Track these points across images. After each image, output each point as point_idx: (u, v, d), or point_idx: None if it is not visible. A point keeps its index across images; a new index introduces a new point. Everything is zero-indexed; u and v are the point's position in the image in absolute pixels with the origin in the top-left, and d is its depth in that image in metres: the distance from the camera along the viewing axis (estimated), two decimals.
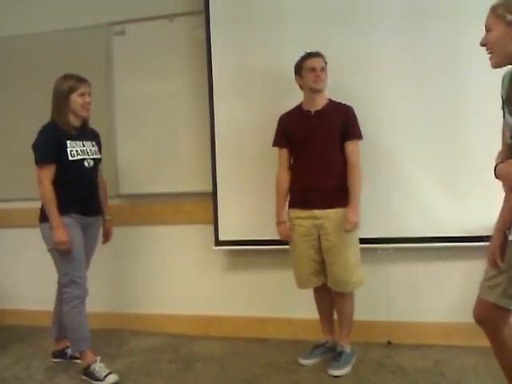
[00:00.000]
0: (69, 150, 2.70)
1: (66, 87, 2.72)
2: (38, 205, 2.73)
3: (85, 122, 2.84)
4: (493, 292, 1.89)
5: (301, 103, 2.85)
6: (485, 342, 2.98)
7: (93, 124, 2.92)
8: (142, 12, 3.48)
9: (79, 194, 2.73)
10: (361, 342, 3.07)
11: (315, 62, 2.75)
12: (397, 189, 3.00)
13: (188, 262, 3.50)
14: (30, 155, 2.64)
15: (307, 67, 2.75)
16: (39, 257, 3.69)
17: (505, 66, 1.69)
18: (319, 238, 2.77)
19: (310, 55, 2.77)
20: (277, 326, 3.06)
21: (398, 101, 3.00)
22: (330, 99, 2.83)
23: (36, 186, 2.67)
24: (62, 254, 2.68)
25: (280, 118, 2.88)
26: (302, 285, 2.90)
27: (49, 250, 2.74)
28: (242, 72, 3.19)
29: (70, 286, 2.73)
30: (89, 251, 2.89)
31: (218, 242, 3.30)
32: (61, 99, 2.73)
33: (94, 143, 2.87)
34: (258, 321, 3.33)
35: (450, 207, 2.93)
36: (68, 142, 2.71)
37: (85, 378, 2.76)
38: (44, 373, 2.94)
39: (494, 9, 1.67)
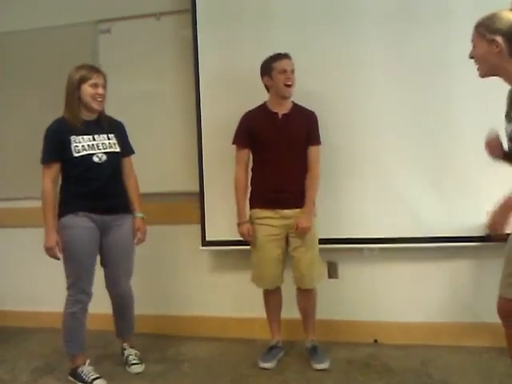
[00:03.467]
0: (73, 146, 2.57)
1: (78, 77, 2.57)
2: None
3: (100, 115, 2.69)
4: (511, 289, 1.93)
5: (265, 103, 2.85)
6: (470, 342, 3.04)
7: None
8: (128, 10, 3.46)
9: (90, 191, 2.59)
10: (347, 342, 3.09)
11: (287, 64, 2.74)
12: (383, 189, 3.00)
13: (174, 262, 3.49)
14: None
15: (278, 69, 2.73)
16: (27, 257, 3.70)
17: (491, 76, 1.87)
18: (286, 237, 2.80)
19: (281, 56, 2.75)
20: (263, 327, 3.05)
21: (386, 101, 3.00)
22: (293, 102, 2.85)
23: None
24: (64, 256, 2.60)
25: (244, 118, 2.86)
26: (266, 285, 2.90)
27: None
28: (230, 71, 3.18)
29: (72, 289, 2.64)
30: (118, 252, 2.73)
31: (205, 243, 3.29)
32: (72, 90, 2.58)
33: (110, 136, 2.70)
34: (245, 321, 3.33)
35: (437, 208, 2.94)
36: (72, 137, 2.57)
37: (71, 379, 2.74)
38: (29, 374, 2.90)
39: (476, 27, 1.85)
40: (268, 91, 2.84)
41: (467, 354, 2.88)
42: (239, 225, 2.83)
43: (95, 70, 2.63)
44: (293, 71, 2.76)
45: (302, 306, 2.95)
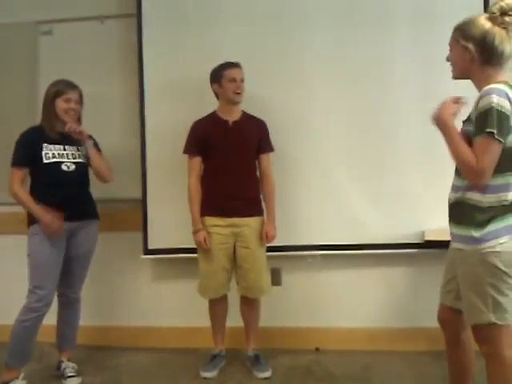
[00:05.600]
0: (44, 152, 2.67)
1: (53, 91, 2.72)
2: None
3: None
4: (448, 296, 1.98)
5: (215, 111, 2.87)
6: (407, 347, 3.13)
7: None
8: (71, 12, 3.38)
9: (58, 198, 2.66)
10: (289, 349, 3.10)
11: (236, 73, 2.78)
12: (326, 197, 3.06)
13: (115, 270, 3.40)
14: None
15: (228, 77, 2.76)
16: None
17: (462, 79, 1.86)
18: (234, 246, 2.80)
19: (231, 65, 2.79)
20: (206, 336, 3.01)
21: (332, 112, 3.07)
22: (243, 111, 2.88)
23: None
24: (31, 262, 2.65)
25: (195, 126, 2.86)
26: (211, 294, 2.88)
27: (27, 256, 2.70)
28: (175, 77, 3.16)
29: (30, 296, 2.62)
30: (79, 253, 2.80)
31: (147, 251, 3.23)
32: (47, 103, 2.73)
33: (80, 148, 2.79)
34: (187, 331, 3.28)
35: (377, 216, 3.02)
36: (44, 144, 2.68)
37: None
38: None
39: (454, 31, 1.85)
40: (217, 98, 2.85)
41: (404, 359, 2.96)
42: (195, 233, 2.80)
43: (70, 85, 2.76)
44: (242, 80, 2.79)
45: (245, 315, 2.95)
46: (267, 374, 2.80)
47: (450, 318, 1.98)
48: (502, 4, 1.74)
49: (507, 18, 1.73)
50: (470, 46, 1.77)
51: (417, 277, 3.07)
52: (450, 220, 1.89)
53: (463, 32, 1.79)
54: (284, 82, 3.08)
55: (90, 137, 2.87)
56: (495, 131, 1.64)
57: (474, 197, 1.76)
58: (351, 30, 3.04)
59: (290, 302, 3.19)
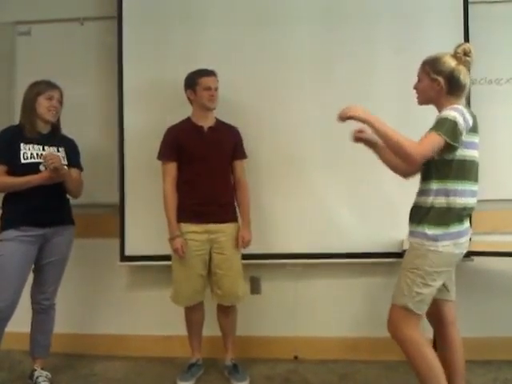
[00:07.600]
0: (22, 152, 2.61)
1: (35, 91, 2.70)
2: None
3: (55, 129, 2.78)
4: None
5: (189, 117, 2.85)
6: (386, 356, 3.12)
7: None
8: (50, 13, 3.33)
9: (34, 202, 2.60)
10: (268, 358, 3.08)
11: (211, 81, 2.76)
12: (306, 205, 3.04)
13: (91, 277, 3.33)
14: None
15: (203, 85, 2.75)
16: None
17: (426, 105, 2.20)
18: (209, 252, 2.78)
19: (206, 73, 2.77)
20: (183, 345, 2.97)
21: (311, 122, 3.06)
22: (216, 118, 2.87)
23: None
24: None
25: (169, 131, 2.83)
26: (185, 302, 2.84)
27: None
28: (154, 80, 3.13)
29: None
30: (54, 265, 2.75)
31: (124, 258, 3.17)
32: (28, 103, 2.69)
33: (60, 149, 2.74)
34: (164, 339, 3.24)
35: (355, 224, 3.02)
36: (22, 144, 2.62)
37: None
38: None
39: (423, 64, 2.17)
40: (191, 104, 2.84)
41: (383, 368, 2.96)
42: (171, 239, 2.76)
43: (51, 84, 2.74)
44: (216, 89, 2.78)
45: (222, 324, 2.92)
46: (245, 383, 2.78)
47: (432, 310, 2.19)
48: (465, 47, 2.11)
49: (468, 58, 2.11)
50: (440, 78, 2.10)
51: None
52: (409, 220, 2.19)
53: (434, 67, 2.11)
54: (260, 90, 3.07)
55: (73, 145, 2.85)
56: (443, 134, 1.96)
57: (428, 200, 2.08)
58: (332, 32, 3.05)
59: (269, 310, 3.17)
